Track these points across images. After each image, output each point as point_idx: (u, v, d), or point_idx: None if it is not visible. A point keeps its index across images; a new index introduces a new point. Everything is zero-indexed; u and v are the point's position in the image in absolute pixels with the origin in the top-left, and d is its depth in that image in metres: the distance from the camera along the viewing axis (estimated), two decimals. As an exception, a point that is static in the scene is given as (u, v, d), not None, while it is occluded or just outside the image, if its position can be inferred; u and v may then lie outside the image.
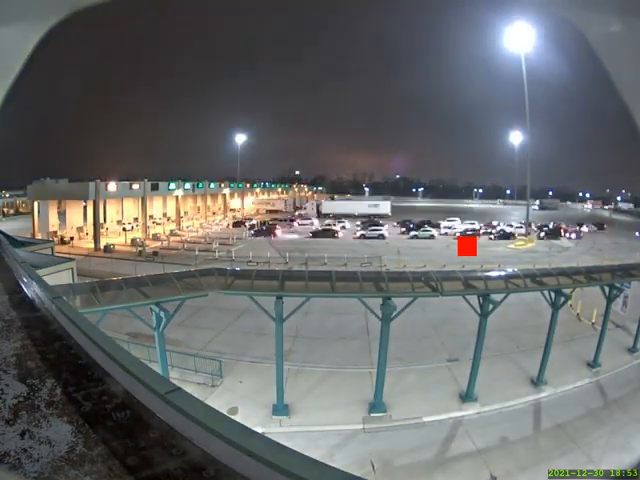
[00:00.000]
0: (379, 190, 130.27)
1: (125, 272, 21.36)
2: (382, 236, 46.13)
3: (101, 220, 43.75)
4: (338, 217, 59.54)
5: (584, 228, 54.64)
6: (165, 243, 41.95)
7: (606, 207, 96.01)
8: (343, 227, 52.73)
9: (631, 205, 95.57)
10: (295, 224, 55.21)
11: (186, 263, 28.59)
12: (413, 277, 14.37)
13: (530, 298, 19.94)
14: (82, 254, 33.79)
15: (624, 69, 4.87)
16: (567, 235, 49.37)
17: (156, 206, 54.30)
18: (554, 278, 15.57)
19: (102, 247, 38.01)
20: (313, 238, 45.41)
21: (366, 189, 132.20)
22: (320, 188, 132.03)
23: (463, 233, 47.88)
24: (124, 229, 46.74)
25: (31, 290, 4.84)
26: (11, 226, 38.16)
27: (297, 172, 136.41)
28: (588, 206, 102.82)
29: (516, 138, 65.95)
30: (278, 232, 48.34)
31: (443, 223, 51.96)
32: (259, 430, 8.91)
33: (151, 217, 51.48)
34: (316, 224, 54.33)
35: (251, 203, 79.30)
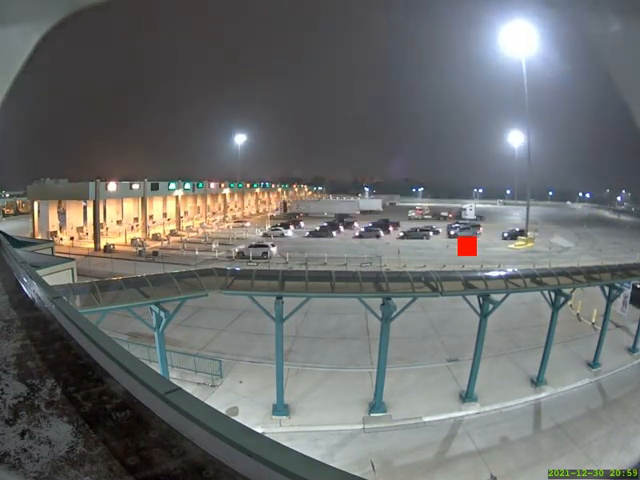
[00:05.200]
0: (379, 190, 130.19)
1: (125, 272, 21.37)
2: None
3: (101, 220, 43.78)
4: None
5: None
6: (165, 243, 41.97)
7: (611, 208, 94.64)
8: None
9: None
10: None
11: (186, 263, 28.60)
12: (413, 277, 14.36)
13: (530, 298, 19.95)
14: (82, 254, 33.80)
15: (624, 69, 4.87)
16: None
17: (156, 206, 54.28)
18: (554, 278, 15.56)
19: (102, 247, 38.02)
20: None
21: (366, 189, 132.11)
22: (320, 188, 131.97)
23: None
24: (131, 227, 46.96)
25: (31, 290, 4.84)
26: (10, 226, 38.17)
27: (297, 172, 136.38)
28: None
29: (516, 138, 65.87)
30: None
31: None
32: (259, 430, 8.83)
33: (151, 217, 51.48)
34: None
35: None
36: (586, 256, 35.53)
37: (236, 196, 74.96)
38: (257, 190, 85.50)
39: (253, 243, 37.47)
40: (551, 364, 15.56)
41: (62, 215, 45.56)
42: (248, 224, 54.42)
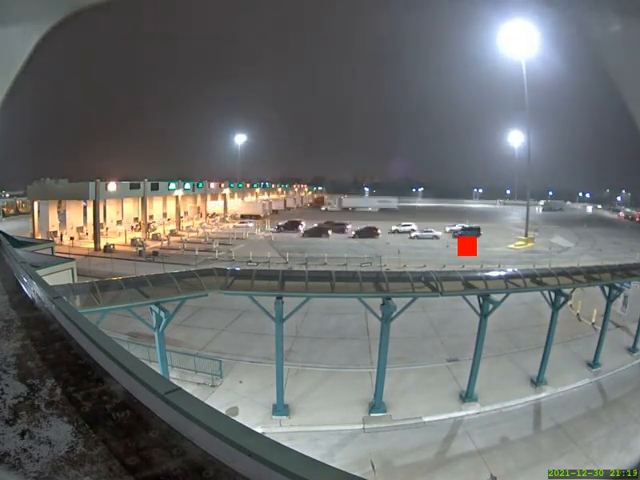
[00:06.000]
0: (379, 190, 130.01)
1: (125, 272, 21.37)
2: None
3: (101, 220, 43.77)
4: None
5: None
6: (165, 243, 41.97)
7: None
8: None
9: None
10: None
11: (186, 263, 28.60)
12: (413, 277, 14.36)
13: (530, 298, 19.95)
14: (82, 254, 33.80)
15: (624, 69, 4.87)
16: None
17: (156, 206, 54.29)
18: (554, 278, 15.55)
19: (102, 247, 38.02)
20: None
21: (366, 189, 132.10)
22: (320, 188, 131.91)
23: None
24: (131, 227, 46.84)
25: (31, 290, 4.84)
26: (10, 226, 38.16)
27: (297, 172, 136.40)
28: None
29: (516, 138, 65.87)
30: None
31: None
32: (259, 430, 8.83)
33: (151, 217, 51.44)
34: None
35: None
36: (586, 256, 35.55)
37: (236, 196, 74.99)
38: (257, 190, 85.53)
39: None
40: (551, 364, 15.56)
41: (62, 215, 45.57)
42: (251, 224, 52.67)
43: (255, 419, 12.95)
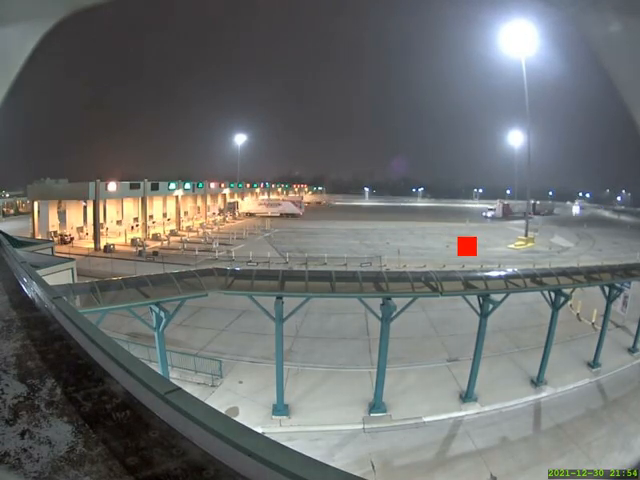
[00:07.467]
0: (379, 190, 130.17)
1: (125, 272, 21.36)
2: None
3: (101, 220, 43.72)
4: None
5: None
6: (165, 243, 41.95)
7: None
8: None
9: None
10: None
11: (186, 263, 28.60)
12: (413, 277, 14.35)
13: (530, 298, 19.94)
14: (82, 254, 33.78)
15: (624, 69, 4.87)
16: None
17: (156, 206, 54.27)
18: (554, 278, 15.55)
19: (102, 247, 38.00)
20: None
21: (366, 189, 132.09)
22: (320, 188, 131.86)
23: None
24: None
25: (31, 290, 4.84)
26: (10, 226, 38.14)
27: (297, 172, 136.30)
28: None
29: (516, 138, 65.85)
30: None
31: None
32: (259, 430, 8.87)
33: (151, 217, 51.37)
34: None
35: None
36: (586, 256, 35.56)
37: (236, 196, 75.00)
38: (257, 190, 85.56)
39: None
40: (551, 364, 15.56)
41: (62, 215, 45.53)
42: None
43: (255, 419, 12.94)
